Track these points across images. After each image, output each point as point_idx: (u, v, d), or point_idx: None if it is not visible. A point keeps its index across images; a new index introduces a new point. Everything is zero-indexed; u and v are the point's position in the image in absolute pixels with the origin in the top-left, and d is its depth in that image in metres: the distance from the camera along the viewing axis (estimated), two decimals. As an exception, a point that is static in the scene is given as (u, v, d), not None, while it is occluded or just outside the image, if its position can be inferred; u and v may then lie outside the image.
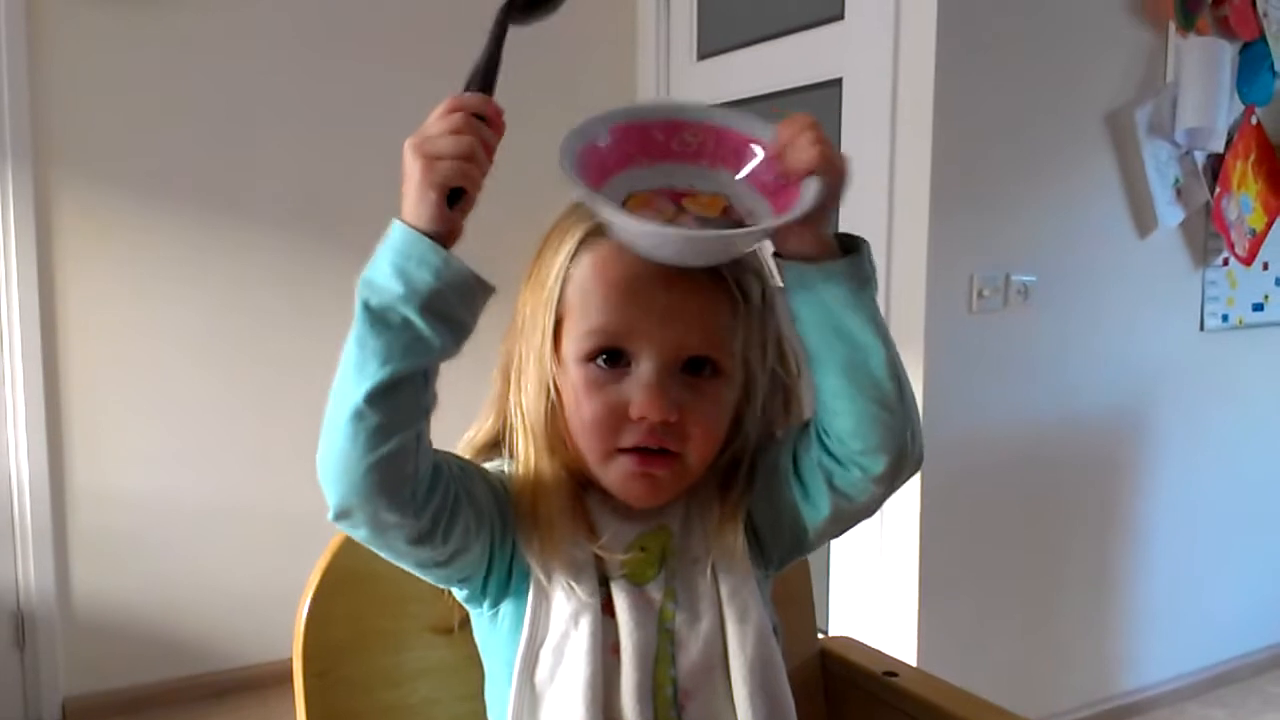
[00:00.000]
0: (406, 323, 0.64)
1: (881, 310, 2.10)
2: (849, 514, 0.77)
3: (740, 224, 0.73)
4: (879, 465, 0.72)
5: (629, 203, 0.73)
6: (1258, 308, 2.54)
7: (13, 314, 2.22)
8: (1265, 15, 2.37)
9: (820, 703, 1.03)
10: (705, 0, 2.68)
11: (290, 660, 0.85)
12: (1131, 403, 2.34)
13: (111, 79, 2.28)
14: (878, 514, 1.88)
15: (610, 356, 0.73)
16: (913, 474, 0.75)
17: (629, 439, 0.73)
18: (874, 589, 2.12)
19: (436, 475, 0.69)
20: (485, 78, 0.74)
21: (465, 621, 0.82)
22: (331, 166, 2.50)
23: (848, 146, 2.17)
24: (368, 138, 2.53)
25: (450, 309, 0.65)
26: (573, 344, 0.74)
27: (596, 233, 0.74)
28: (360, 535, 0.69)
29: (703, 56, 2.68)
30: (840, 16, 2.19)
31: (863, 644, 1.07)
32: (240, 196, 2.42)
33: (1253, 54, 2.36)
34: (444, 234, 0.66)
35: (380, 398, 0.64)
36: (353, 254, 2.71)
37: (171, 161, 2.35)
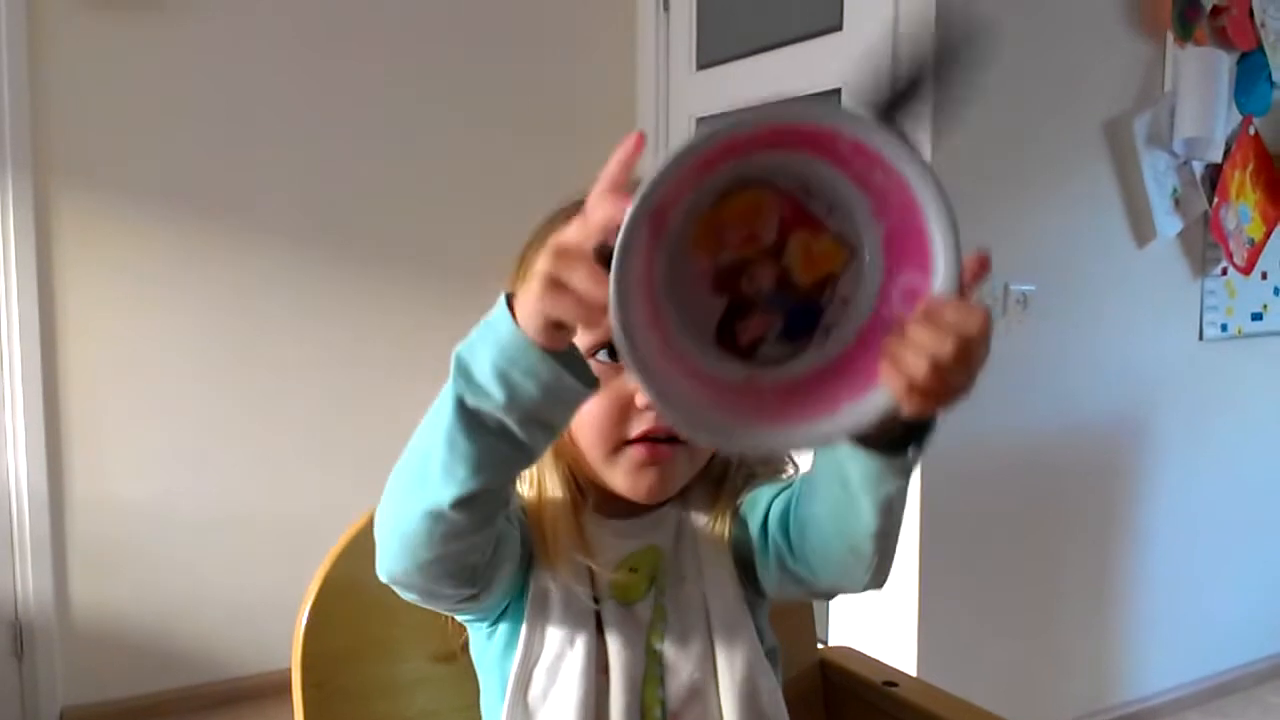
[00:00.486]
0: (504, 430, 0.57)
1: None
2: (790, 592, 0.77)
3: (814, 315, 0.56)
4: (825, 585, 0.74)
5: (710, 214, 0.54)
6: (1256, 317, 2.54)
7: (12, 321, 2.22)
8: (1263, 25, 2.37)
9: (820, 713, 1.03)
10: (705, 10, 2.68)
11: (289, 670, 0.84)
12: (1131, 412, 2.34)
13: (111, 86, 2.28)
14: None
15: (611, 350, 0.73)
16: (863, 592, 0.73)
17: (635, 428, 0.73)
18: (873, 598, 2.11)
19: (495, 550, 0.68)
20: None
21: (465, 646, 0.82)
22: (332, 172, 2.51)
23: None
24: (369, 143, 2.54)
25: (552, 419, 0.59)
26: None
27: None
28: (407, 597, 0.69)
29: (702, 66, 2.69)
30: (839, 27, 2.20)
31: (862, 654, 1.07)
32: (241, 203, 2.42)
33: (1250, 64, 2.37)
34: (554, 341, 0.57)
35: (465, 505, 0.59)
36: (353, 261, 2.73)
37: (171, 168, 2.35)
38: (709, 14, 2.67)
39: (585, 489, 0.78)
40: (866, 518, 0.65)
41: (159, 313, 2.36)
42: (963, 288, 0.54)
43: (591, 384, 0.57)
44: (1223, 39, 2.31)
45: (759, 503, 0.78)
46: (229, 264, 2.42)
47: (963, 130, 1.98)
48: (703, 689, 0.75)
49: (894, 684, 0.99)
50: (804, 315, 0.56)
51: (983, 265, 0.57)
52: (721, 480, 0.81)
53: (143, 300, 2.35)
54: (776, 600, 0.81)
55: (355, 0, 2.51)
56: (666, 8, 2.77)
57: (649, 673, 0.74)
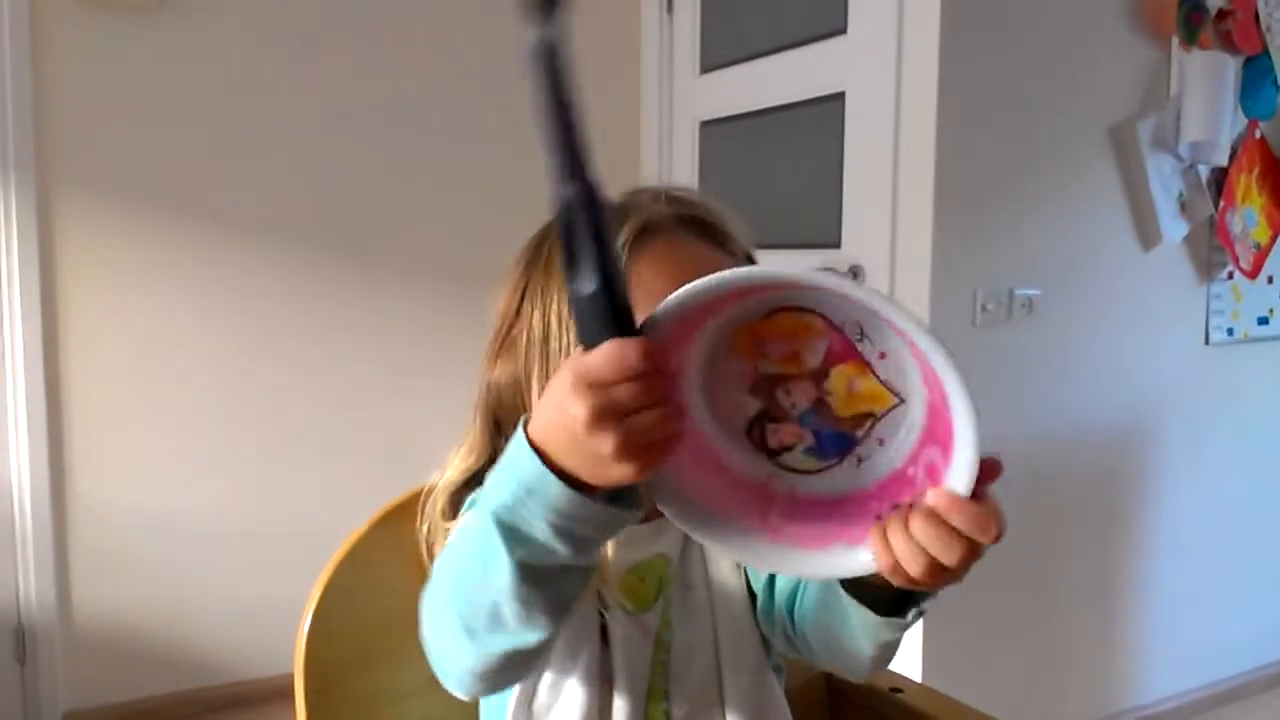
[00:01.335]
0: (567, 569, 0.55)
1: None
2: (781, 646, 0.78)
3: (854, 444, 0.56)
4: (822, 666, 0.76)
5: (757, 324, 0.54)
6: (1263, 321, 2.53)
7: (15, 325, 2.22)
8: (1268, 29, 2.37)
9: (825, 720, 1.02)
10: (708, 14, 2.68)
11: (291, 674, 0.84)
12: (1136, 417, 2.33)
13: (114, 89, 2.29)
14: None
15: None
16: None
17: None
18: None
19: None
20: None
21: None
22: (337, 177, 2.51)
23: (850, 160, 2.17)
24: (374, 146, 2.54)
25: (602, 540, 0.58)
26: None
27: (637, 245, 0.69)
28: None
29: (706, 70, 2.69)
30: (843, 30, 2.19)
31: (867, 660, 1.06)
32: (244, 207, 2.42)
33: (1256, 68, 2.36)
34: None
35: (551, 640, 0.58)
36: (359, 267, 2.73)
37: (174, 171, 2.35)
38: (713, 17, 2.67)
39: None
40: (864, 653, 0.67)
41: (162, 317, 2.36)
42: (976, 489, 0.54)
43: (641, 504, 0.55)
44: (1228, 43, 2.31)
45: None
46: (233, 268, 2.42)
47: (969, 134, 1.98)
48: (709, 700, 0.74)
49: (899, 690, 0.99)
50: (837, 440, 0.55)
51: (995, 469, 0.55)
52: None
53: (145, 304, 2.35)
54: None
55: (357, 3, 2.51)
56: (670, 11, 2.77)
57: (654, 683, 0.74)
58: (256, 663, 2.43)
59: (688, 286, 0.50)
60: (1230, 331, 2.47)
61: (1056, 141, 2.12)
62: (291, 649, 0.84)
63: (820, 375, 0.52)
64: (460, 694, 0.65)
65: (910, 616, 0.62)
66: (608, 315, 0.50)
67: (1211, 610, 2.52)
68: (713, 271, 0.51)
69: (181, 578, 2.41)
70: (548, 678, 0.73)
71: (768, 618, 0.76)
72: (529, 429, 0.53)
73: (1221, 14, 2.30)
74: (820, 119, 2.26)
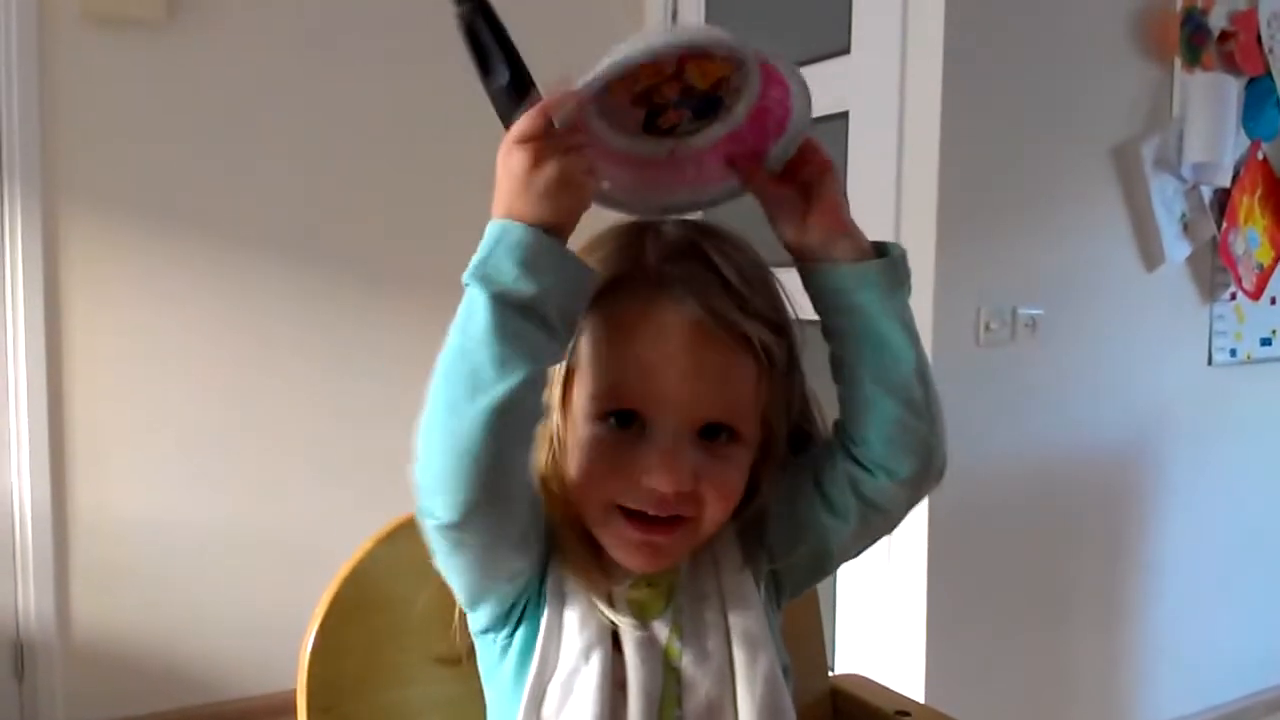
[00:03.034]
0: (543, 321, 0.63)
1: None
2: (874, 525, 0.77)
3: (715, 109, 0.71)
4: (905, 469, 0.73)
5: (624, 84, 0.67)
6: (1265, 342, 2.53)
7: (18, 340, 2.22)
8: (1271, 51, 2.38)
9: (830, 741, 1.02)
10: (712, 34, 2.69)
11: (293, 692, 0.84)
12: (1139, 437, 2.33)
13: (120, 104, 2.30)
14: (885, 547, 1.87)
15: (622, 417, 0.70)
16: (937, 481, 0.76)
17: (633, 501, 0.71)
18: (881, 624, 2.10)
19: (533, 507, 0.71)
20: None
21: (471, 652, 0.81)
22: (339, 191, 2.51)
23: (854, 179, 2.17)
24: (378, 162, 2.55)
25: (574, 309, 0.66)
26: (583, 400, 0.71)
27: (615, 285, 0.71)
28: (470, 548, 0.67)
29: (710, 89, 2.69)
30: (846, 50, 2.20)
31: (874, 682, 1.06)
32: (247, 222, 2.43)
33: (1259, 89, 2.37)
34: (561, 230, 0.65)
35: (529, 391, 0.63)
36: (361, 280, 2.74)
37: (179, 187, 2.36)
38: (717, 37, 2.68)
39: None
40: (898, 344, 0.71)
41: (165, 331, 2.37)
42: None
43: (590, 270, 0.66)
44: (1230, 64, 2.32)
45: (803, 478, 0.77)
46: (236, 282, 2.42)
47: (972, 155, 1.98)
48: (721, 706, 0.74)
49: (907, 713, 0.98)
50: (706, 103, 0.70)
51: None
52: (750, 519, 0.79)
53: (149, 318, 2.35)
54: (856, 550, 0.79)
55: (361, 18, 2.52)
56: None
57: (667, 690, 0.73)
58: (258, 679, 2.42)
59: (580, 84, 0.64)
60: (1233, 352, 2.46)
61: (1059, 162, 2.12)
62: (293, 666, 0.83)
63: (679, 74, 0.67)
64: (447, 512, 0.64)
65: (902, 267, 0.72)
66: (520, 96, 0.69)
67: (1216, 631, 2.51)
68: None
69: (182, 593, 2.40)
70: (558, 679, 0.72)
71: (833, 477, 0.76)
72: (493, 211, 0.66)
73: (1224, 35, 2.31)
74: (823, 138, 2.24)
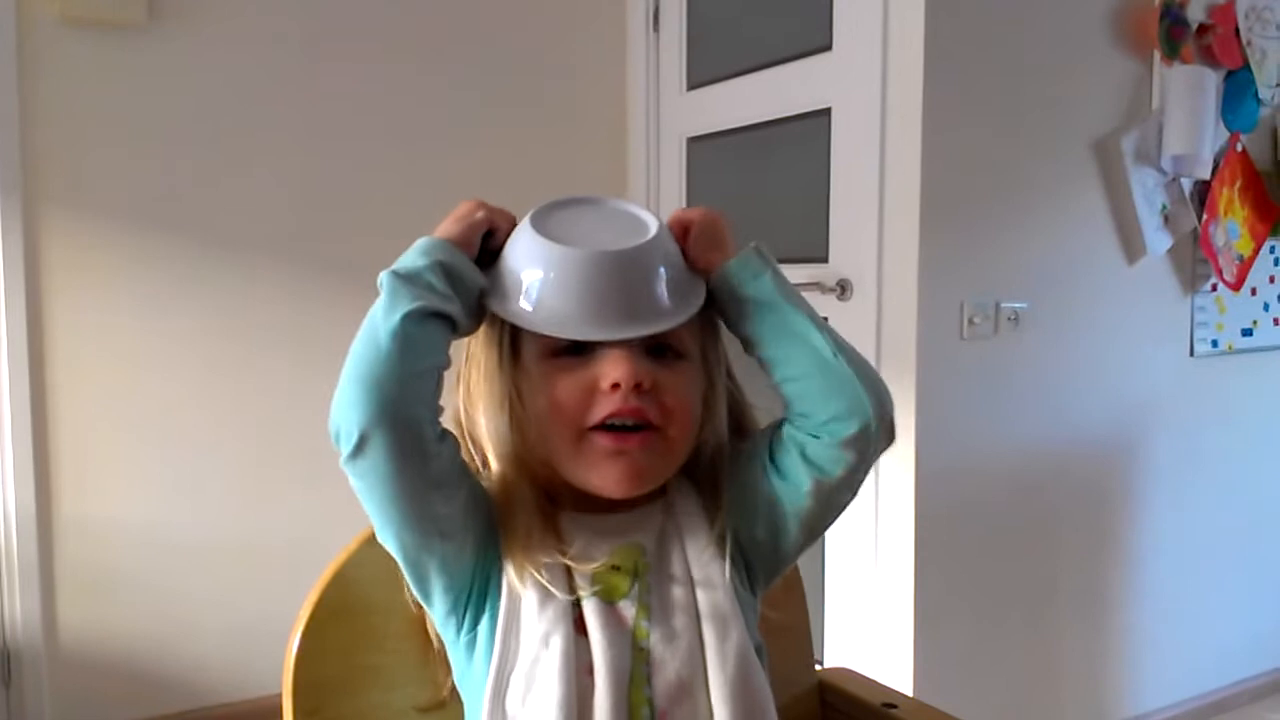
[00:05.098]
0: (430, 285, 0.73)
1: (873, 336, 2.09)
2: (827, 490, 0.78)
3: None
4: (846, 428, 0.75)
5: None
6: (1247, 333, 2.55)
7: (0, 346, 2.20)
8: (1249, 44, 2.39)
9: (818, 735, 1.02)
10: (694, 31, 2.70)
11: (279, 696, 0.83)
12: (1123, 429, 2.34)
13: (101, 108, 2.28)
14: (872, 542, 1.88)
15: (574, 346, 0.75)
16: (886, 442, 0.78)
17: (600, 411, 0.74)
18: (868, 618, 2.10)
19: (446, 433, 0.75)
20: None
21: (454, 691, 0.81)
22: (326, 195, 2.51)
23: (837, 175, 2.18)
24: (362, 166, 2.54)
25: (460, 281, 0.75)
26: (533, 342, 0.76)
27: None
28: (379, 471, 0.71)
29: (692, 87, 2.70)
30: (828, 47, 2.21)
31: (861, 675, 1.06)
32: (230, 225, 2.42)
33: (1237, 82, 2.39)
34: (461, 246, 0.78)
35: (415, 322, 0.71)
36: (347, 285, 2.74)
37: (162, 191, 2.35)
38: (699, 34, 2.69)
39: (559, 489, 0.78)
40: (791, 318, 0.77)
41: (149, 335, 2.35)
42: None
43: (480, 281, 0.77)
44: (1209, 57, 2.33)
45: (757, 454, 0.81)
46: (220, 286, 2.41)
47: (954, 150, 1.99)
48: (691, 685, 0.74)
49: (893, 705, 0.99)
50: None
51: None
52: (708, 477, 0.82)
53: (132, 322, 2.34)
54: (817, 522, 0.81)
55: (347, 22, 2.51)
56: (656, 28, 2.78)
57: (635, 670, 0.73)
58: (245, 684, 2.42)
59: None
60: (1215, 343, 2.48)
61: (1041, 156, 2.13)
62: (279, 670, 0.83)
63: None
64: (353, 428, 0.71)
65: (755, 250, 0.79)
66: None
67: (1201, 620, 2.52)
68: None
69: (169, 598, 2.39)
70: (520, 669, 0.73)
71: (782, 447, 0.79)
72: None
73: (1202, 28, 2.32)
74: (806, 134, 2.27)
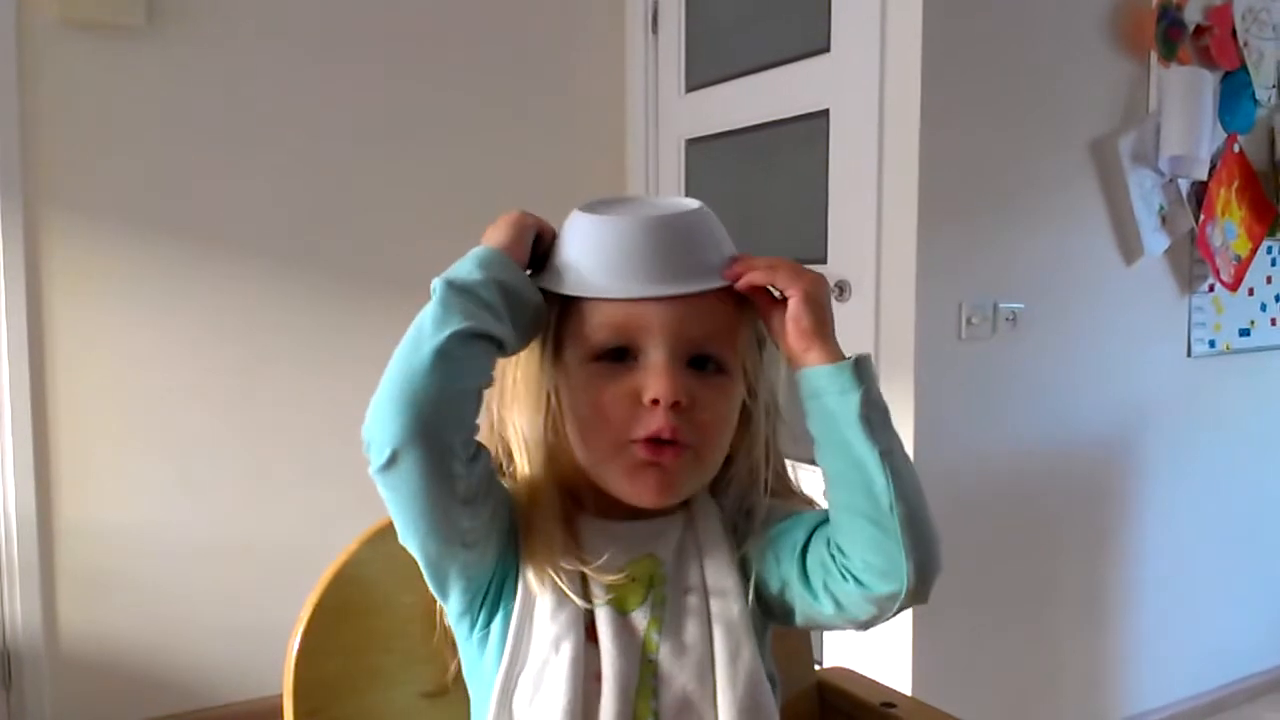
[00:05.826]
0: (485, 303, 0.71)
1: (871, 337, 2.08)
2: (845, 621, 0.76)
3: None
4: (877, 587, 0.71)
5: None
6: (1244, 333, 2.56)
7: (0, 346, 2.21)
8: (1245, 45, 2.40)
9: (816, 735, 1.02)
10: (693, 34, 2.70)
11: (280, 696, 0.84)
12: (1121, 429, 2.34)
13: (101, 111, 2.28)
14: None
15: (617, 353, 0.75)
16: (916, 602, 0.72)
17: (641, 429, 0.73)
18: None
19: (479, 450, 0.73)
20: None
21: (458, 676, 0.82)
22: (323, 196, 2.51)
23: (835, 177, 2.19)
24: (364, 168, 2.54)
25: (518, 304, 0.73)
26: (577, 344, 0.75)
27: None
28: (408, 485, 0.69)
29: (691, 89, 2.70)
30: (827, 49, 2.21)
31: (860, 675, 1.07)
32: (231, 226, 2.42)
33: (1234, 83, 2.39)
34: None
35: (461, 341, 0.69)
36: (347, 287, 2.74)
37: (162, 194, 2.35)
38: (697, 37, 2.69)
39: (584, 492, 0.78)
40: (866, 460, 0.70)
41: (149, 338, 2.36)
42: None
43: (542, 306, 0.76)
44: (1206, 58, 2.34)
45: (797, 528, 0.77)
46: (221, 288, 2.41)
47: (952, 151, 2.00)
48: (699, 701, 0.74)
49: (892, 705, 0.99)
50: None
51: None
52: (735, 505, 0.81)
53: (133, 325, 2.34)
54: (822, 628, 0.79)
55: (347, 25, 2.52)
56: (655, 30, 2.79)
57: (644, 682, 0.74)
58: (246, 685, 2.42)
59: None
60: (1212, 344, 2.49)
61: (1038, 157, 2.14)
62: (280, 670, 0.84)
63: None
64: (387, 441, 0.68)
65: (855, 364, 0.72)
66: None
67: (1198, 620, 2.53)
68: None
69: (169, 600, 2.39)
70: (529, 671, 0.73)
71: (815, 556, 0.75)
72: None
73: (1199, 30, 2.33)
74: (805, 136, 2.27)
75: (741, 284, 0.75)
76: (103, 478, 2.33)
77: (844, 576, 0.72)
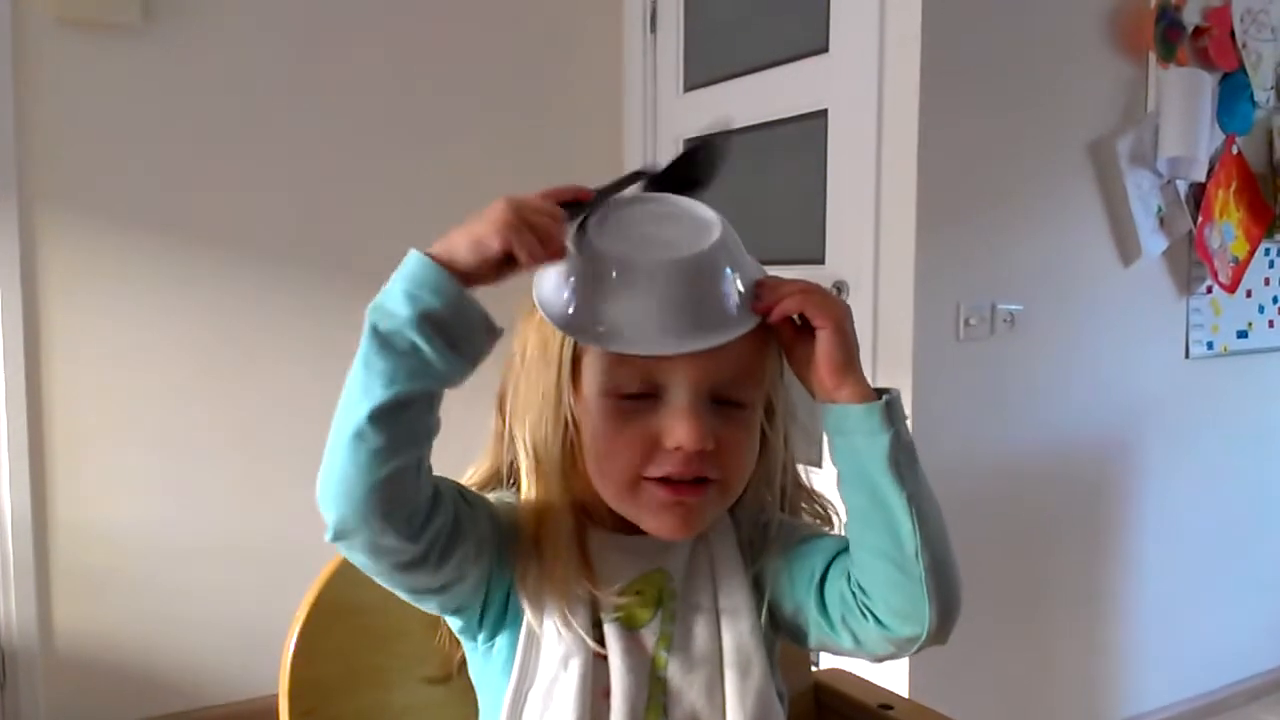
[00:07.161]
0: (414, 347, 0.64)
1: (870, 337, 2.08)
2: (859, 653, 0.76)
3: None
4: (898, 629, 0.71)
5: None
6: (1242, 335, 2.56)
7: (-4, 347, 2.20)
8: (1244, 46, 2.40)
9: (814, 736, 1.02)
10: (691, 33, 2.70)
11: (276, 697, 0.83)
12: (1118, 431, 2.34)
13: (97, 110, 2.28)
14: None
15: (640, 391, 0.72)
16: (935, 643, 0.72)
17: (659, 469, 0.71)
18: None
19: (436, 502, 0.69)
20: (597, 196, 0.73)
21: (462, 665, 0.81)
22: (318, 195, 2.50)
23: (833, 177, 2.19)
24: (358, 169, 2.54)
25: (457, 339, 0.65)
26: (597, 376, 0.72)
27: None
28: (357, 559, 0.68)
29: (689, 88, 2.70)
30: (825, 49, 2.21)
31: (857, 676, 1.06)
32: (226, 226, 2.41)
33: (1232, 84, 2.39)
34: (470, 278, 0.66)
35: (383, 418, 0.63)
36: (342, 286, 2.73)
37: (157, 192, 2.34)
38: (696, 36, 2.69)
39: (595, 506, 0.76)
40: (893, 503, 0.69)
41: (144, 336, 2.35)
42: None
43: (492, 326, 0.67)
44: (1205, 60, 2.34)
45: (817, 555, 0.77)
46: (215, 287, 2.41)
47: (950, 152, 1.99)
48: (707, 718, 0.73)
49: (889, 706, 0.99)
50: None
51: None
52: (751, 524, 0.80)
53: (128, 323, 2.33)
54: (824, 648, 0.79)
55: (344, 26, 2.51)
56: (654, 30, 2.79)
57: (653, 698, 0.73)
58: (242, 684, 2.41)
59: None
60: (1210, 345, 2.49)
61: (1037, 158, 2.13)
62: (275, 670, 0.83)
63: None
64: (330, 527, 0.66)
65: (886, 406, 0.70)
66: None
67: (1195, 622, 2.53)
68: None
69: (165, 599, 2.38)
70: (539, 688, 0.72)
71: (833, 589, 0.75)
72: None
73: (1198, 31, 2.33)
74: (803, 136, 2.27)
75: (774, 317, 0.72)
76: (98, 477, 2.32)
77: (864, 615, 0.72)
